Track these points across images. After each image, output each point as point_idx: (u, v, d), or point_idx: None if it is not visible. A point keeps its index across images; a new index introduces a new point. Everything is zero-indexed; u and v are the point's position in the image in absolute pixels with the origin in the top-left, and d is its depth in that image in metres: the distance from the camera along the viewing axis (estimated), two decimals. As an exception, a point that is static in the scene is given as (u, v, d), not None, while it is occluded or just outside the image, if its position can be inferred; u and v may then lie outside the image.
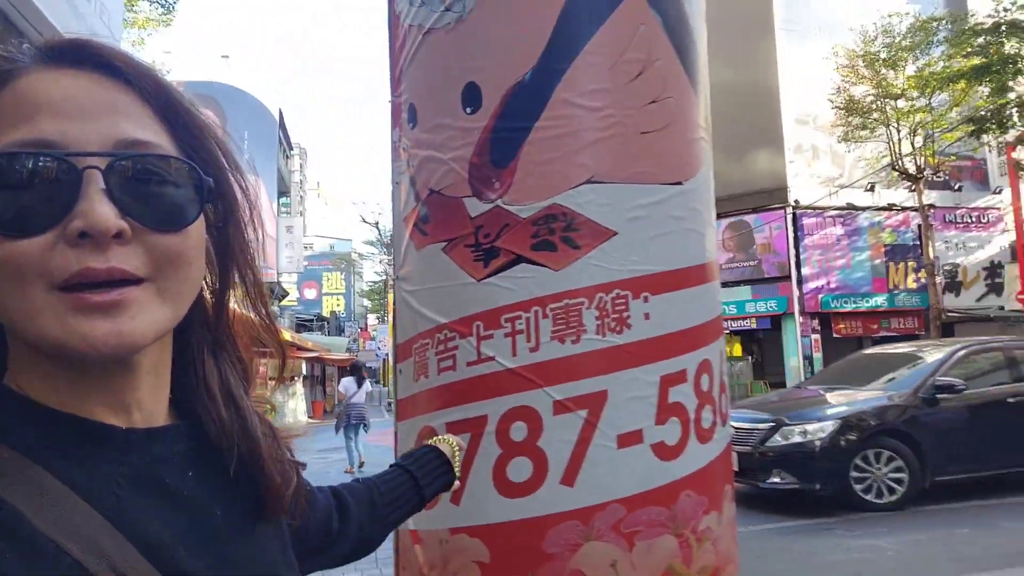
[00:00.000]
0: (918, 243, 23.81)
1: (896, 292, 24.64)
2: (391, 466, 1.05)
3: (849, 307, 24.29)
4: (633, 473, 1.33)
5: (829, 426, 6.97)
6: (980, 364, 7.56)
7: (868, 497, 6.97)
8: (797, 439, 6.93)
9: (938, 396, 7.05)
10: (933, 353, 7.76)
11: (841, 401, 7.50)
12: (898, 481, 7.03)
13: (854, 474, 6.91)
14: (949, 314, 24.68)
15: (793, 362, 23.66)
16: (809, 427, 6.98)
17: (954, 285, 25.60)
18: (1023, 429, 7.11)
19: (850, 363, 9.37)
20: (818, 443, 6.86)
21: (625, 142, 1.37)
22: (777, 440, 7.02)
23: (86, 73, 0.54)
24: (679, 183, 1.42)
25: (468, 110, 1.41)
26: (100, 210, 0.49)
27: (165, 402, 0.61)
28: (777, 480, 6.97)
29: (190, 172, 0.55)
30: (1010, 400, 7.21)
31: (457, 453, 1.08)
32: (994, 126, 17.64)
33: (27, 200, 0.49)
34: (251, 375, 0.68)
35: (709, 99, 1.62)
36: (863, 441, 6.98)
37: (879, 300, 24.43)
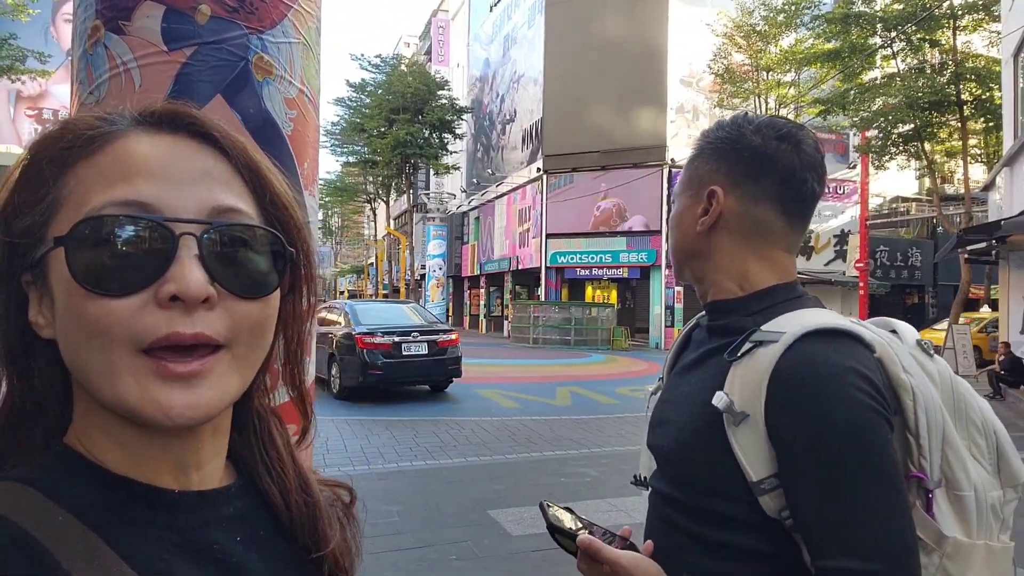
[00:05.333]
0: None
1: (755, 252, 26.38)
2: None
3: (710, 263, 25.97)
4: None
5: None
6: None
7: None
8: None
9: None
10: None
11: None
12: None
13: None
14: (799, 276, 26.78)
15: (656, 310, 25.17)
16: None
17: (806, 249, 27.31)
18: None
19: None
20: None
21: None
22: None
23: (183, 139, 0.55)
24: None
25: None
26: (193, 275, 0.50)
27: (223, 460, 0.62)
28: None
29: (275, 243, 0.57)
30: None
31: None
32: (838, 109, 19.10)
33: (122, 261, 0.49)
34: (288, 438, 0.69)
35: (316, 161, 2.29)
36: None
37: (739, 258, 26.19)
